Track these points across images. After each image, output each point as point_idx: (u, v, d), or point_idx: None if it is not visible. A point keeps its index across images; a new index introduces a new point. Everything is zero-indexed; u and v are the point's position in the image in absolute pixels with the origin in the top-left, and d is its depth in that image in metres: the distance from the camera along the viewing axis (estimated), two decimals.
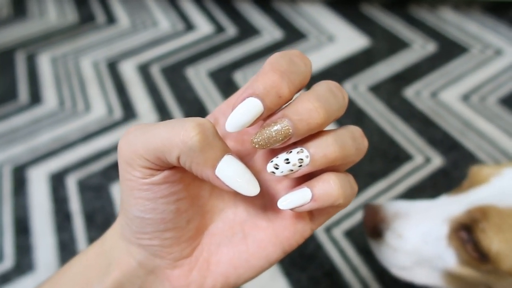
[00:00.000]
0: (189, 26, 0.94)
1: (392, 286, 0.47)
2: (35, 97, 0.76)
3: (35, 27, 0.96)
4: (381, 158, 0.61)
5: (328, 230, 0.52)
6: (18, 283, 0.49)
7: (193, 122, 0.16)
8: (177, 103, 0.73)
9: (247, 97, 0.16)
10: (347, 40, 0.85)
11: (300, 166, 0.17)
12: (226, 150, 0.17)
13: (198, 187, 0.20)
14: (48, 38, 0.92)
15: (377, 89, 0.73)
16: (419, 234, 0.33)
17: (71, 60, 0.85)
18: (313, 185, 0.17)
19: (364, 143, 0.18)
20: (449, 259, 0.32)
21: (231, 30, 0.91)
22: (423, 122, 0.66)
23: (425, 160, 0.60)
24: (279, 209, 0.20)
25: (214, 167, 0.16)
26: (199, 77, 0.78)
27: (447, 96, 0.70)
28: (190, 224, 0.20)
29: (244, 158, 0.21)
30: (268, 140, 0.16)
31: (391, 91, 0.72)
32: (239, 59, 0.82)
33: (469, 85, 0.72)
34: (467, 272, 0.31)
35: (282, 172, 0.17)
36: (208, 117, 0.21)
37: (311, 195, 0.17)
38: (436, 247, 0.33)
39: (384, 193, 0.56)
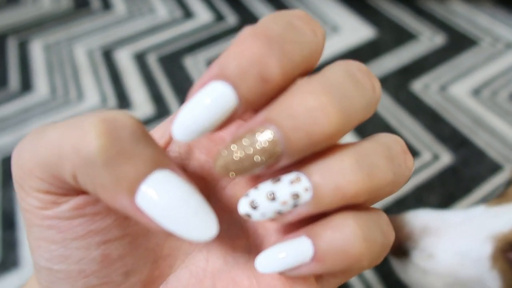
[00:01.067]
0: (187, 13, 0.90)
1: None
2: (26, 85, 0.73)
3: (28, 13, 0.92)
4: None
5: None
6: (3, 280, 0.47)
7: (97, 117, 0.10)
8: (174, 93, 0.70)
9: (210, 81, 0.10)
10: (352, 30, 0.82)
11: (296, 206, 0.10)
12: (158, 162, 0.10)
13: None
14: (41, 24, 0.88)
15: (383, 82, 0.70)
16: (455, 254, 0.29)
17: (64, 47, 0.82)
18: (317, 233, 0.10)
19: (407, 163, 0.11)
20: (492, 283, 0.28)
21: (231, 18, 0.88)
22: (431, 117, 0.63)
23: (433, 156, 0.57)
24: None
25: (132, 191, 0.09)
26: (197, 67, 0.75)
27: (456, 90, 0.67)
28: (130, 277, 0.12)
29: (220, 182, 0.14)
30: (242, 162, 0.09)
31: (398, 84, 0.69)
32: None
33: (479, 79, 0.69)
34: None
35: (263, 214, 0.10)
36: (168, 118, 0.14)
37: (312, 250, 0.10)
38: (476, 270, 0.28)
39: None
